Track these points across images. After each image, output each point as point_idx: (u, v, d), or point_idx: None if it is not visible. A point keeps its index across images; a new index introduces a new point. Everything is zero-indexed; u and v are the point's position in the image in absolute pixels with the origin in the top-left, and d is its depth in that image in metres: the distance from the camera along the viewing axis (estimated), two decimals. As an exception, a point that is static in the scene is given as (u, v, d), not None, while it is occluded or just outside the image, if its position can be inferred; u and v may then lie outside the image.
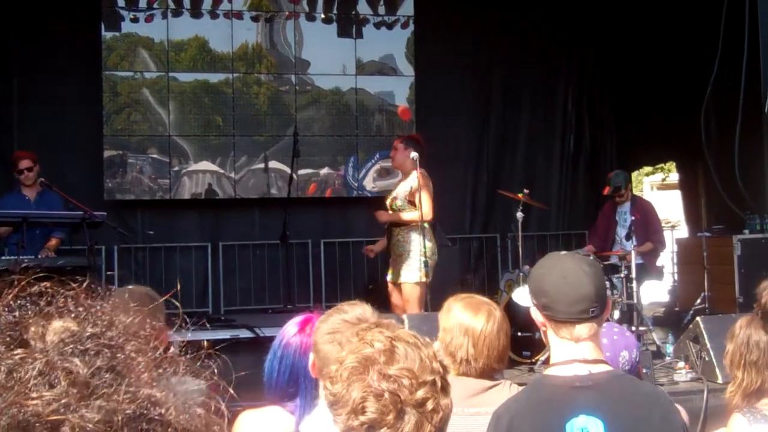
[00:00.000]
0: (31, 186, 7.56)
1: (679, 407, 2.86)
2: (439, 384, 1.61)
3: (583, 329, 2.27)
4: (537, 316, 2.36)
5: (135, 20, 9.89)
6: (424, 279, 6.79)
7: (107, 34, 9.88)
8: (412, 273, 6.87)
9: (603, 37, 11.48)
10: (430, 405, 1.57)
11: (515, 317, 7.02)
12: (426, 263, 6.79)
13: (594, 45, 11.54)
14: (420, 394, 1.57)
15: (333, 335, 2.34)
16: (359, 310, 2.46)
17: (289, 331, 2.74)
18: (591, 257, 6.23)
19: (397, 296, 7.04)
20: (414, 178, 6.84)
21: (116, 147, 9.93)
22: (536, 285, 2.35)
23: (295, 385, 2.62)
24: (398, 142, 7.12)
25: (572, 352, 2.29)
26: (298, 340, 2.67)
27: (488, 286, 10.52)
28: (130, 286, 3.01)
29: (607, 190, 8.26)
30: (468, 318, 2.92)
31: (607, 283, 6.72)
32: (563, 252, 2.43)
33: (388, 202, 7.15)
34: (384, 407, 1.55)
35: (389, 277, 7.12)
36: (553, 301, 2.28)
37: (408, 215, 6.88)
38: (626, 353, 3.07)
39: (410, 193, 6.90)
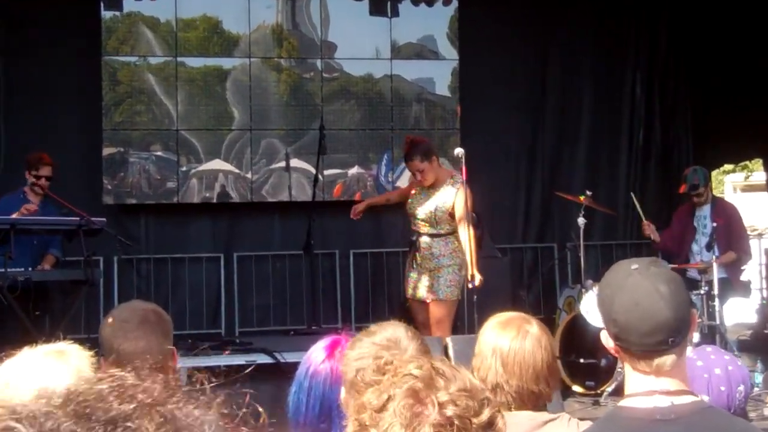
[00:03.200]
0: (39, 193, 7.62)
1: None
2: (492, 400, 1.60)
3: (665, 361, 2.22)
4: (608, 342, 2.32)
5: (139, -3, 9.96)
6: (458, 296, 7.06)
7: (107, 14, 9.95)
8: (450, 289, 7.04)
9: (677, 13, 11.38)
10: (500, 422, 1.57)
11: (577, 341, 7.00)
12: (462, 279, 7.01)
13: (667, 22, 11.44)
14: (486, 413, 1.55)
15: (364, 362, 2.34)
16: (390, 330, 2.44)
17: (316, 357, 2.72)
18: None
19: (424, 315, 7.09)
20: (451, 191, 7.03)
21: (116, 143, 10.00)
22: (605, 310, 2.30)
23: (327, 419, 2.60)
24: (420, 163, 7.04)
25: (651, 384, 2.25)
26: (327, 367, 2.65)
27: (544, 304, 10.46)
28: (134, 302, 3.01)
29: (683, 188, 8.19)
30: (495, 335, 2.91)
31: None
32: (634, 264, 2.31)
33: (426, 214, 7.10)
34: None
35: (415, 294, 7.18)
36: (624, 331, 2.23)
37: (462, 236, 7.02)
38: (743, 387, 3.04)
39: (451, 205, 7.04)
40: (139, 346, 2.78)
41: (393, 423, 1.54)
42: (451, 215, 7.06)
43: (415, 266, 7.15)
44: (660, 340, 2.20)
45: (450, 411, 1.53)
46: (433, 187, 7.11)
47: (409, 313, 7.26)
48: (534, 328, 2.90)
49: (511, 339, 2.86)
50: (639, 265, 2.29)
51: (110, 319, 2.86)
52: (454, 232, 7.09)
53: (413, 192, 7.33)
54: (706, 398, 2.95)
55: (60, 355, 1.84)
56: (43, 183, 7.52)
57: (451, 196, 7.04)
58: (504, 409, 2.79)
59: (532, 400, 2.84)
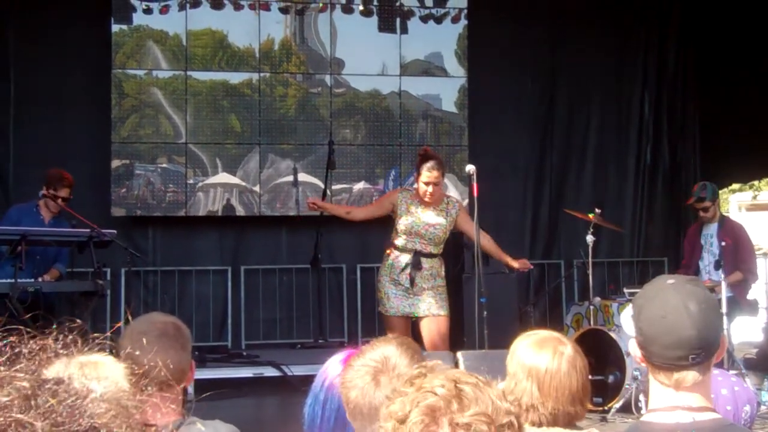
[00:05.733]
0: (53, 211, 7.65)
1: None
2: (516, 424, 1.58)
3: (684, 376, 2.24)
4: (635, 351, 2.35)
5: (148, 11, 10.00)
6: None
7: (115, 28, 10.01)
8: (446, 305, 7.08)
9: (686, 31, 11.42)
10: None
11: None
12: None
13: (676, 40, 11.48)
14: None
15: (362, 388, 2.35)
16: (379, 350, 2.46)
17: (333, 370, 2.73)
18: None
19: (406, 333, 6.93)
20: (454, 207, 7.08)
21: (123, 156, 10.03)
22: (635, 318, 2.33)
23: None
24: (442, 177, 6.97)
25: (673, 399, 2.27)
26: None
27: (551, 321, 10.46)
28: (153, 315, 3.04)
29: (690, 200, 8.29)
30: (531, 356, 2.88)
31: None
32: (671, 279, 2.33)
33: (431, 234, 7.03)
34: None
35: (415, 310, 7.02)
36: (647, 341, 2.25)
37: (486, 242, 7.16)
38: (749, 408, 3.05)
39: (451, 223, 7.06)
40: (157, 358, 2.80)
41: None
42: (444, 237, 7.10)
43: (408, 285, 6.92)
44: (680, 356, 2.21)
45: None
46: (433, 205, 6.97)
47: (416, 327, 7.16)
48: (568, 348, 2.89)
49: (547, 361, 2.84)
50: (675, 281, 2.31)
51: (128, 331, 2.89)
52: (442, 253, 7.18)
53: (404, 209, 6.99)
54: None
55: (95, 367, 1.86)
56: (60, 203, 7.53)
57: (452, 218, 7.01)
58: (536, 427, 2.83)
59: (566, 420, 2.84)
